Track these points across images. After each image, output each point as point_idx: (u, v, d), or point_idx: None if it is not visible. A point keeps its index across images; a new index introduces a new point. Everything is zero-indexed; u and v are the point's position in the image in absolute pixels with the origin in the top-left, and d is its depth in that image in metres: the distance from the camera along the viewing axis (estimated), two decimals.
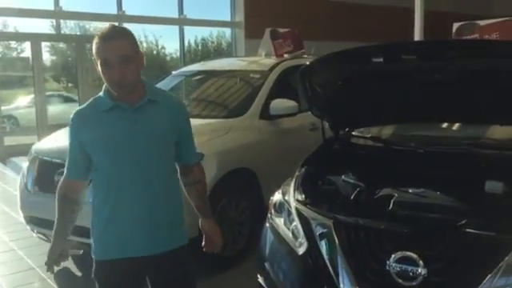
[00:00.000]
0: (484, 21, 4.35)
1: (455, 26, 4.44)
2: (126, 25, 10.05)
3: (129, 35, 1.92)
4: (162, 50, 12.90)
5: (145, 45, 12.34)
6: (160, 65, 12.97)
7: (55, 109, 11.13)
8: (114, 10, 9.94)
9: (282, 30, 5.58)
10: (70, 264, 4.21)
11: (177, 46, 11.82)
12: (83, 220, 3.60)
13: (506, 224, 2.16)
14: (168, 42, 12.50)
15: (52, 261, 2.13)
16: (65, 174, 2.09)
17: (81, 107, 2.05)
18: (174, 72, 5.88)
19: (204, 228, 2.30)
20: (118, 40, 1.86)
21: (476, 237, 2.11)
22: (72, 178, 2.07)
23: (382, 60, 2.51)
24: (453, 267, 2.05)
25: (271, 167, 4.33)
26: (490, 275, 1.95)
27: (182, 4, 10.80)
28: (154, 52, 12.88)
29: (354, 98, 2.92)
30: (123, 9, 10.00)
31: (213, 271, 3.80)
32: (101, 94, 2.02)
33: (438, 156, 2.83)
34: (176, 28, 11.22)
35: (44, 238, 4.10)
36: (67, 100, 11.70)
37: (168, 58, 13.04)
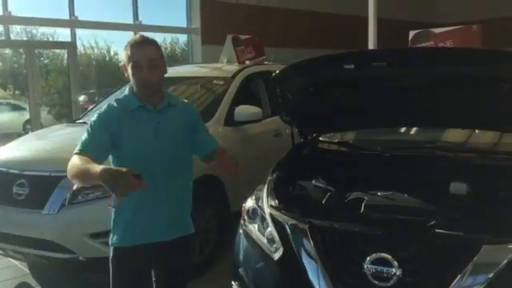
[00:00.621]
0: (438, 29, 4.55)
1: (411, 33, 4.61)
2: (77, 30, 9.87)
3: (156, 43, 2.21)
4: (115, 57, 12.65)
5: (96, 51, 12.08)
6: (112, 72, 12.71)
7: (3, 117, 10.70)
8: (65, 16, 9.66)
9: (243, 37, 5.62)
10: (28, 278, 4.07)
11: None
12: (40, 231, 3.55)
13: (473, 224, 2.27)
14: (120, 49, 12.25)
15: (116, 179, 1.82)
16: (77, 149, 2.11)
17: (107, 106, 2.23)
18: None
19: (220, 158, 2.32)
20: (149, 46, 2.16)
21: (445, 237, 2.19)
22: (86, 152, 2.08)
23: (353, 67, 2.57)
24: (426, 267, 2.12)
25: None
26: (459, 275, 2.03)
27: (136, 10, 10.64)
28: (106, 59, 12.63)
29: (324, 103, 2.98)
30: (76, 14, 9.74)
31: None
32: (126, 94, 2.25)
33: (404, 159, 2.92)
34: (128, 34, 11.03)
35: (2, 252, 3.93)
36: (15, 108, 11.24)
37: (120, 65, 12.76)
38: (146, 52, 2.14)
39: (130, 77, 2.17)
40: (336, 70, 2.75)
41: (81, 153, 2.09)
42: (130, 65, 2.14)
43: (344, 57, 2.69)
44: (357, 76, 2.76)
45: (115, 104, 2.23)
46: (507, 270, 2.00)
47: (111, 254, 2.27)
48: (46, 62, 11.12)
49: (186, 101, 2.52)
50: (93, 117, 2.24)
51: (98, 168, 1.85)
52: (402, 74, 2.70)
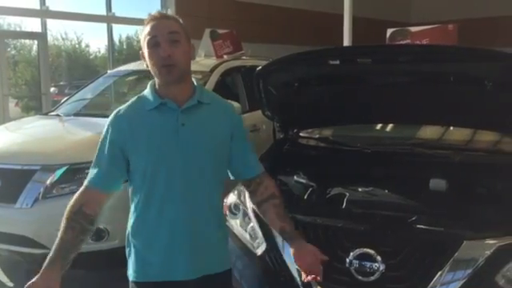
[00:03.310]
0: (415, 27, 4.62)
1: (389, 31, 4.66)
2: (49, 21, 9.62)
3: (178, 20, 1.78)
4: (86, 49, 12.40)
5: (66, 42, 11.81)
6: (83, 64, 12.45)
7: None
8: (36, 5, 9.40)
9: (221, 31, 5.57)
10: None
11: (100, 44, 11.38)
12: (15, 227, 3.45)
13: (454, 220, 2.31)
14: (91, 40, 12.03)
15: None
16: (87, 182, 1.75)
17: (122, 107, 1.79)
18: (109, 71, 5.68)
19: (296, 254, 1.86)
20: (168, 19, 1.74)
21: (427, 233, 2.22)
22: (97, 187, 1.73)
23: (338, 62, 2.58)
24: (408, 262, 2.15)
25: None
26: (441, 270, 2.06)
27: (110, 1, 10.43)
28: (77, 50, 12.36)
29: (306, 99, 2.98)
30: (46, 4, 9.48)
31: None
32: (145, 92, 1.80)
33: (384, 156, 2.95)
34: (99, 25, 10.80)
35: None
36: None
37: (92, 57, 12.54)
38: (164, 25, 1.70)
39: (149, 62, 1.71)
40: (321, 66, 2.75)
41: (93, 188, 1.73)
42: (146, 41, 1.69)
43: (330, 52, 2.69)
44: (340, 72, 2.78)
45: (126, 108, 1.78)
46: (487, 265, 2.05)
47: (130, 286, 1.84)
48: (12, 52, 10.81)
49: (229, 101, 2.03)
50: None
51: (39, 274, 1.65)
52: (385, 70, 2.72)
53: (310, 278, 1.84)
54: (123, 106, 1.80)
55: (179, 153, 1.70)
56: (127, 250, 1.83)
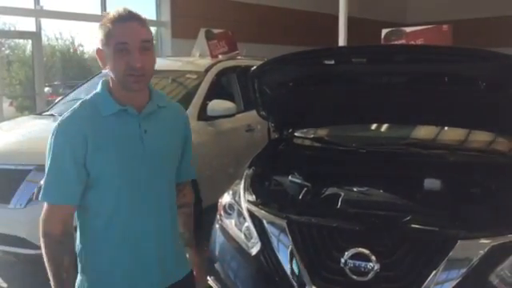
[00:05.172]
0: (410, 28, 4.63)
1: (384, 31, 4.67)
2: (43, 21, 9.58)
3: (147, 23, 1.60)
4: (80, 48, 12.36)
5: (60, 42, 11.76)
6: (78, 63, 12.40)
7: None
8: (30, 5, 9.36)
9: (216, 31, 5.56)
10: None
11: (94, 44, 11.32)
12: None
13: (449, 219, 2.31)
14: (86, 40, 12.00)
15: None
16: (56, 198, 1.55)
17: (72, 113, 1.59)
18: (103, 71, 5.65)
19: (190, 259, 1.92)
20: (138, 22, 1.55)
21: (421, 232, 2.23)
22: (70, 202, 1.57)
23: (333, 62, 2.58)
24: (403, 262, 2.15)
25: (209, 168, 4.32)
26: (435, 269, 2.06)
27: (104, 0, 10.40)
28: (71, 50, 12.32)
29: (301, 99, 2.98)
30: (41, 3, 9.45)
31: None
32: (94, 97, 1.62)
33: (379, 155, 2.96)
34: (94, 25, 10.76)
35: None
36: None
37: (86, 57, 12.50)
38: (136, 30, 1.53)
39: (111, 65, 1.55)
40: (315, 66, 2.75)
41: (62, 203, 1.56)
42: (113, 47, 1.52)
43: (325, 52, 2.69)
44: (335, 72, 2.78)
45: (78, 113, 1.58)
46: (482, 265, 2.05)
47: None
48: (7, 52, 10.76)
49: (174, 101, 1.90)
50: (52, 133, 1.56)
51: None
52: (380, 70, 2.73)
53: None
54: (69, 113, 1.59)
55: (145, 161, 1.60)
56: (78, 280, 1.64)
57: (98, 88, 1.64)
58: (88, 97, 1.64)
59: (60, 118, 1.59)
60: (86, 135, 1.54)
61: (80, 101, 1.64)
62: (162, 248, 1.67)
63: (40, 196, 1.57)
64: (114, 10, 1.59)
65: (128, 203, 1.60)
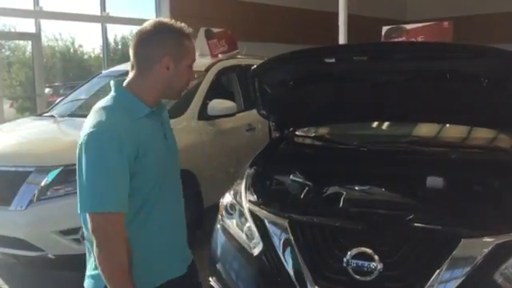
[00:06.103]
0: (410, 25, 4.59)
1: (384, 29, 4.64)
2: (43, 22, 9.57)
3: None
4: (80, 49, 12.33)
5: (60, 43, 11.74)
6: (78, 64, 12.37)
7: None
8: (30, 6, 9.35)
9: (216, 30, 5.54)
10: None
11: (94, 44, 11.33)
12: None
13: (452, 218, 2.30)
14: (86, 40, 11.97)
15: None
16: (112, 207, 1.55)
17: (109, 120, 1.59)
18: (103, 71, 5.65)
19: None
20: None
21: (424, 231, 2.21)
22: (125, 208, 1.58)
23: (334, 61, 2.57)
24: (406, 261, 2.13)
25: (210, 168, 4.31)
26: (439, 268, 2.05)
27: (104, 0, 10.38)
28: (71, 51, 12.30)
29: (302, 97, 2.97)
30: (40, 4, 9.43)
31: None
32: (120, 100, 1.66)
33: (380, 154, 2.94)
34: (94, 25, 10.74)
35: None
36: None
37: (86, 57, 12.48)
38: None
39: (176, 76, 1.66)
40: (316, 64, 2.73)
41: (120, 211, 1.56)
42: (188, 63, 1.68)
43: (325, 50, 2.67)
44: (335, 70, 2.76)
45: (119, 117, 1.60)
46: (485, 263, 2.03)
47: None
48: (7, 53, 10.75)
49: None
50: (89, 142, 1.55)
51: None
52: (381, 68, 2.71)
53: None
54: (109, 119, 1.59)
55: (169, 156, 1.75)
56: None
57: (116, 91, 1.68)
58: (108, 102, 1.66)
59: (94, 126, 1.58)
60: (134, 139, 1.59)
61: (101, 106, 1.64)
62: (184, 232, 1.86)
63: (91, 207, 1.56)
64: (182, 23, 1.70)
65: (165, 194, 1.71)
